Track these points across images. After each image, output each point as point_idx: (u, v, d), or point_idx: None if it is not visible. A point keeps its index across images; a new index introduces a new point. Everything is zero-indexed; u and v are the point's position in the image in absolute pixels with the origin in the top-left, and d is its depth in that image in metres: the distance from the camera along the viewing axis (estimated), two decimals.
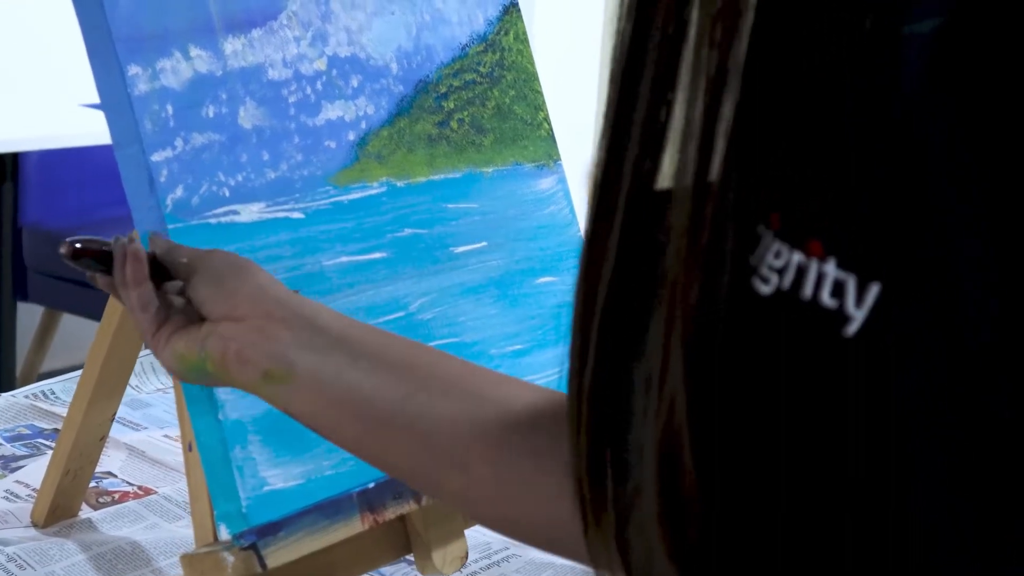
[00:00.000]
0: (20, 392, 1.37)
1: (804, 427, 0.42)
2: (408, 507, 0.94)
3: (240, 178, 0.89)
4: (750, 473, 0.43)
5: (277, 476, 0.87)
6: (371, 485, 0.91)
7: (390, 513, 0.92)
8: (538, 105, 1.11)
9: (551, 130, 1.12)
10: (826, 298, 0.41)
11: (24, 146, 2.79)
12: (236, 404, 0.85)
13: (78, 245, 0.78)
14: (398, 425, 0.70)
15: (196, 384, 0.79)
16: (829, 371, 0.41)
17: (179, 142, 0.86)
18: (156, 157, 0.85)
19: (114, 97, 0.85)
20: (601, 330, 0.46)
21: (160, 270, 0.79)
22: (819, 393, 0.42)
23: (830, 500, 0.42)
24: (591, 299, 0.46)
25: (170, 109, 0.86)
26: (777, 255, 0.42)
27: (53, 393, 1.37)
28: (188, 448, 0.88)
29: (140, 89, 0.85)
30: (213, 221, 0.87)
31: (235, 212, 0.88)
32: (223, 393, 0.85)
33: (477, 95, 1.06)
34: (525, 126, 1.10)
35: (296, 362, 0.72)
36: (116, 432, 1.23)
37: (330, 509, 0.89)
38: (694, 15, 0.42)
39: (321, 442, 0.89)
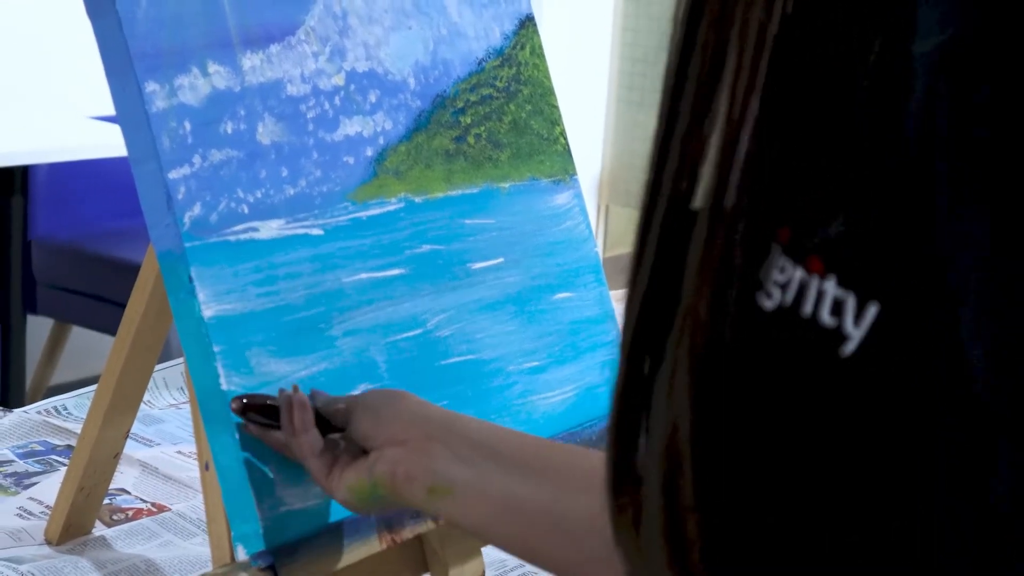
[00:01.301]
0: (32, 408, 1.36)
1: (801, 446, 0.42)
2: (425, 526, 0.93)
3: (259, 195, 0.88)
4: (750, 491, 0.43)
5: (295, 496, 0.86)
6: None
7: (408, 532, 0.92)
8: (554, 120, 1.10)
9: (567, 144, 1.11)
10: (826, 316, 0.41)
11: (33, 159, 2.79)
12: None
13: (245, 400, 0.83)
14: (548, 527, 0.77)
15: (368, 513, 0.85)
16: (825, 391, 0.41)
17: (197, 159, 0.86)
18: (174, 174, 0.84)
19: (131, 114, 0.84)
20: (632, 347, 0.46)
21: (322, 423, 0.84)
22: (816, 413, 0.41)
23: (827, 516, 0.41)
24: (629, 316, 0.46)
25: (188, 126, 0.85)
26: (782, 270, 0.42)
27: (66, 409, 1.37)
28: (205, 467, 0.87)
29: (158, 106, 0.84)
30: (232, 239, 0.86)
31: (254, 229, 0.88)
32: None
33: (494, 110, 1.05)
34: (541, 141, 1.09)
35: (456, 477, 0.78)
36: (129, 448, 1.22)
37: (348, 529, 0.88)
38: (733, 39, 0.41)
39: None
